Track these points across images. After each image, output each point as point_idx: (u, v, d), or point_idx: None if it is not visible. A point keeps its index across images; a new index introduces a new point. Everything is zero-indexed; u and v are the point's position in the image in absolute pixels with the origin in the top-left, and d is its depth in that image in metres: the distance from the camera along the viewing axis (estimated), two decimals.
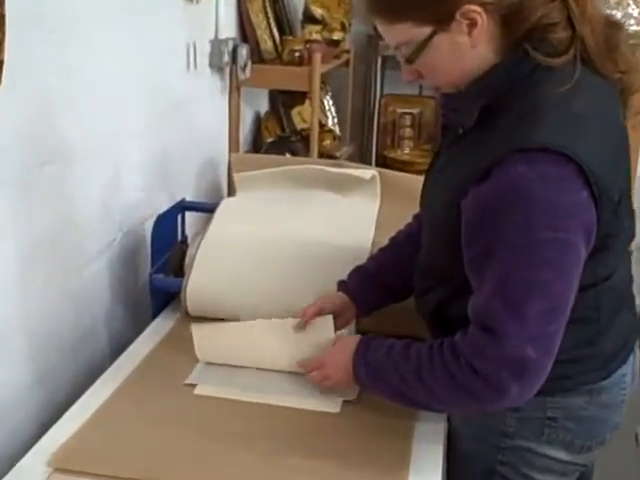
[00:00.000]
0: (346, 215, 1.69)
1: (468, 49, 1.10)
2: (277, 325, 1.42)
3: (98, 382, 1.44)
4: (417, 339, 1.23)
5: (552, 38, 1.08)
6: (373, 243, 1.67)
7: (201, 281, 1.61)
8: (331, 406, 1.34)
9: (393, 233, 1.55)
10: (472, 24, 1.07)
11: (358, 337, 1.28)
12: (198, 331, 1.45)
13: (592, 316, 1.18)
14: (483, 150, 1.09)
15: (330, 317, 1.38)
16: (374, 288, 1.45)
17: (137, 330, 1.65)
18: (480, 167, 1.06)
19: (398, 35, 1.13)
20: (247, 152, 2.70)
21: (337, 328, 1.39)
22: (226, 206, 1.78)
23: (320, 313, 1.39)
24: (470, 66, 1.12)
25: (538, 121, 1.05)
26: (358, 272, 1.48)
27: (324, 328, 1.38)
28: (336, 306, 1.42)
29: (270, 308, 1.56)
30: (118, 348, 1.61)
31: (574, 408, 1.22)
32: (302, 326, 1.40)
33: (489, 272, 1.07)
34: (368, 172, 1.80)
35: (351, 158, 3.28)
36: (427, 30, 1.09)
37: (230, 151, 2.52)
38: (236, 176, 1.84)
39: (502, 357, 1.06)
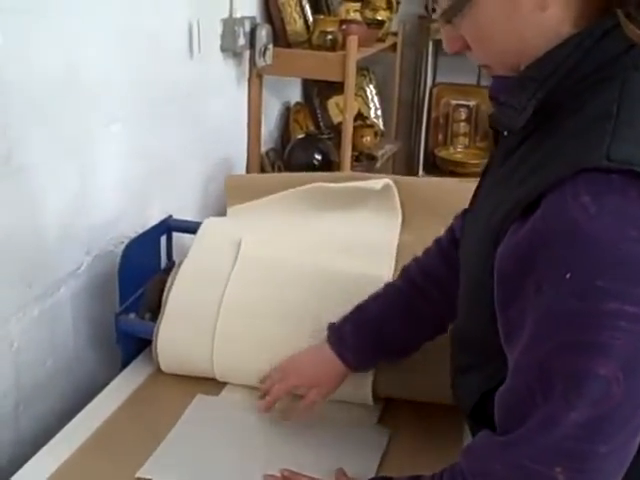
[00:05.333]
0: (357, 240, 1.32)
1: (533, 12, 0.74)
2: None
3: (35, 458, 1.12)
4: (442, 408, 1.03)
5: None
6: (394, 276, 1.29)
7: (175, 329, 1.27)
8: None
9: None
10: None
11: None
12: None
13: None
14: (535, 170, 0.73)
15: None
16: (373, 344, 1.11)
17: (109, 381, 1.32)
18: (526, 194, 0.72)
19: None
20: (272, 150, 2.35)
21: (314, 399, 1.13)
22: (209, 228, 1.41)
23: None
24: (533, 38, 0.76)
25: (622, 128, 0.69)
26: (356, 321, 1.13)
27: None
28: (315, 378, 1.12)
29: (263, 367, 1.24)
30: (82, 405, 1.27)
31: None
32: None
33: (518, 350, 0.74)
34: (379, 182, 1.42)
35: (396, 156, 2.92)
36: None
37: (249, 150, 2.17)
38: (229, 210, 1.51)
39: (511, 472, 0.74)
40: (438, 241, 1.12)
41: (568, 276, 0.68)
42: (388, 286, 1.15)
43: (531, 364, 0.73)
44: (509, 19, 0.76)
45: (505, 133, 0.83)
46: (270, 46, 2.03)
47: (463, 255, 0.93)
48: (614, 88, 0.72)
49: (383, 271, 1.30)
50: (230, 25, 1.88)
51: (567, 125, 0.74)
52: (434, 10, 0.81)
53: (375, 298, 1.14)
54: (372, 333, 1.11)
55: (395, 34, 2.75)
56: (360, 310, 1.13)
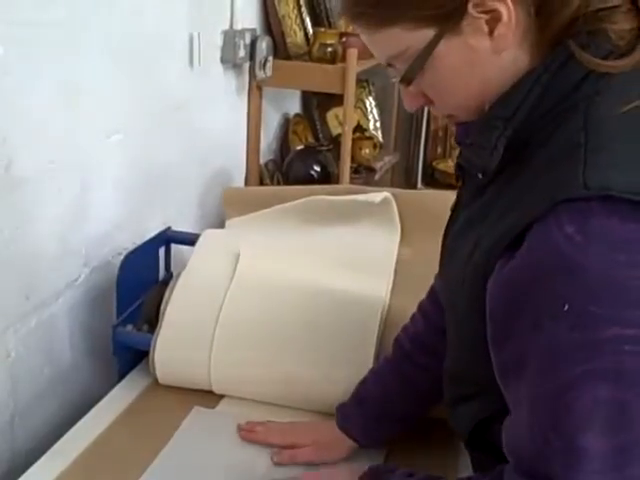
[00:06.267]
0: (355, 254, 1.32)
1: (489, 56, 0.75)
2: None
3: (30, 471, 1.11)
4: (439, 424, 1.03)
5: (609, 30, 0.73)
6: (393, 292, 1.30)
7: (173, 341, 1.26)
8: None
9: (418, 280, 1.16)
10: (494, 19, 0.72)
11: (356, 470, 0.95)
12: None
13: None
14: (513, 204, 0.74)
15: None
16: (377, 421, 1.11)
17: (106, 392, 1.31)
18: (509, 230, 0.72)
19: (388, 46, 0.77)
20: (271, 161, 2.35)
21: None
22: (208, 239, 1.41)
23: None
24: (494, 79, 0.76)
25: (592, 155, 0.69)
26: (358, 401, 1.13)
27: None
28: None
29: (264, 379, 1.25)
30: (78, 417, 1.26)
31: None
32: None
33: (526, 388, 0.72)
34: (378, 195, 1.42)
35: (394, 169, 2.92)
36: (428, 34, 0.74)
37: (248, 162, 2.17)
38: (228, 222, 1.52)
39: None
40: (421, 306, 1.12)
41: (566, 308, 0.67)
42: (384, 361, 1.15)
43: (546, 403, 0.71)
44: (468, 68, 0.76)
45: (480, 175, 0.80)
46: (270, 58, 2.03)
47: (445, 294, 0.92)
48: (578, 116, 0.72)
49: (382, 287, 1.29)
50: (230, 37, 1.88)
51: (539, 158, 0.74)
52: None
53: (373, 375, 1.14)
54: (375, 411, 1.11)
55: None
56: (361, 388, 1.14)
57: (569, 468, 0.69)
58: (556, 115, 0.74)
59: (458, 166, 0.89)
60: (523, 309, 0.70)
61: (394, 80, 0.80)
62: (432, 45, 0.74)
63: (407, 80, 0.78)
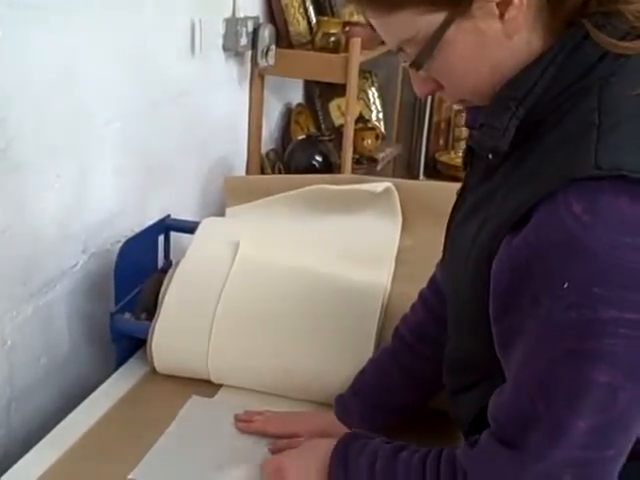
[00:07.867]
0: (356, 244, 1.32)
1: (500, 40, 0.74)
2: None
3: (25, 458, 1.10)
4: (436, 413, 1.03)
5: (625, 10, 0.72)
6: (393, 282, 1.28)
7: (171, 329, 1.25)
8: None
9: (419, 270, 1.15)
10: (505, 2, 0.71)
11: (330, 440, 0.94)
12: None
13: None
14: (521, 184, 0.74)
15: None
16: (376, 410, 1.10)
17: (103, 380, 1.30)
18: (516, 208, 0.72)
19: (398, 30, 0.76)
20: (272, 150, 2.33)
21: None
22: (207, 228, 1.40)
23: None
24: (506, 62, 0.75)
25: (606, 135, 0.69)
26: (357, 391, 1.12)
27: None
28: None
29: (263, 369, 1.25)
30: (75, 404, 1.25)
31: None
32: None
33: (518, 360, 0.74)
34: (380, 185, 1.41)
35: (397, 160, 2.91)
36: (438, 18, 0.73)
37: (249, 151, 2.16)
38: (228, 211, 1.51)
39: None
40: (422, 295, 1.11)
41: (565, 286, 0.67)
42: (383, 351, 1.14)
43: (533, 375, 0.72)
44: (479, 52, 0.75)
45: (490, 156, 0.79)
46: (272, 46, 2.02)
47: (448, 280, 0.92)
48: (592, 97, 0.72)
49: (383, 277, 1.28)
50: (233, 25, 1.86)
51: (551, 138, 0.73)
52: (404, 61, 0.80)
53: (372, 365, 1.14)
54: (374, 400, 1.10)
55: None
56: (360, 378, 1.13)
57: (546, 442, 0.71)
58: (570, 96, 0.73)
59: (467, 150, 0.88)
60: (524, 284, 0.71)
61: (404, 65, 0.79)
62: (442, 29, 0.73)
63: (417, 65, 0.77)
